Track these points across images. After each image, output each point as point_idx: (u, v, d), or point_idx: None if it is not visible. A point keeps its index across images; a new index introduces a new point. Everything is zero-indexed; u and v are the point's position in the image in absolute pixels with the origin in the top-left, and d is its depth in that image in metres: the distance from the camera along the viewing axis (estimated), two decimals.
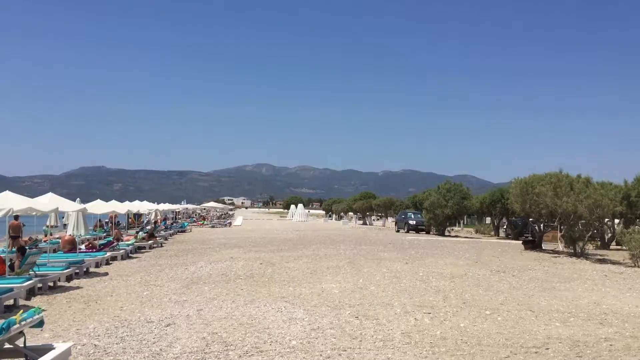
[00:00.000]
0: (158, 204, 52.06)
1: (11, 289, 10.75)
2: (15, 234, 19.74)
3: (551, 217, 24.35)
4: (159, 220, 42.85)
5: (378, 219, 73.09)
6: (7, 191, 14.95)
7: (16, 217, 19.60)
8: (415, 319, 9.48)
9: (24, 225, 21.82)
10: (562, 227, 24.31)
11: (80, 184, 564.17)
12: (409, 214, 46.17)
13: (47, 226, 30.49)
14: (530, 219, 27.94)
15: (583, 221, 22.81)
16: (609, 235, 27.87)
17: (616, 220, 27.83)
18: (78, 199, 26.93)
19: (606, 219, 26.00)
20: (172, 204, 66.82)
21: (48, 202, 16.98)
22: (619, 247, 26.25)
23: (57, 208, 17.13)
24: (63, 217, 28.21)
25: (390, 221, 63.30)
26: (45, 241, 23.15)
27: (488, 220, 48.61)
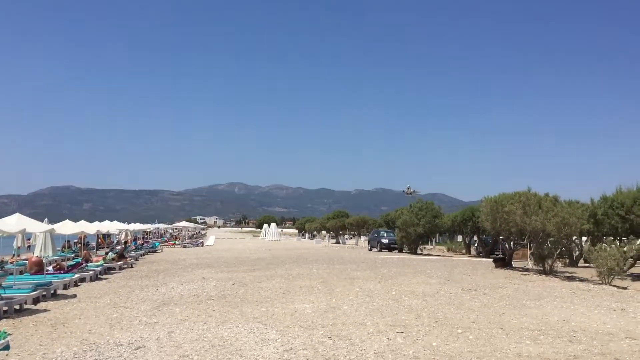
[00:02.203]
0: (129, 223, 51.35)
1: None
2: None
3: (521, 235, 24.68)
4: (129, 241, 42.23)
5: (351, 238, 73.14)
6: None
7: None
8: (388, 338, 9.50)
9: None
10: (531, 245, 24.67)
11: (49, 204, 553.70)
12: (381, 232, 46.38)
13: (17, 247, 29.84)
14: (501, 237, 28.27)
15: (552, 239, 23.18)
16: (577, 253, 28.34)
17: (584, 238, 28.32)
18: (46, 219, 26.47)
19: (574, 237, 26.45)
20: (144, 223, 65.92)
21: (15, 223, 16.61)
22: (587, 264, 26.72)
23: (24, 229, 16.77)
24: (30, 238, 27.58)
25: (363, 240, 63.39)
26: (11, 263, 22.62)
27: (459, 238, 49.07)
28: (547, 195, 23.99)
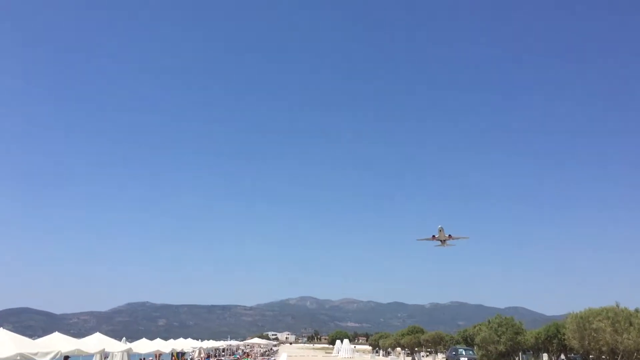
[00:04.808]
0: (202, 340, 51.66)
1: None
2: None
3: (613, 354, 22.95)
4: (202, 359, 42.22)
5: (427, 355, 70.19)
6: (56, 332, 15.25)
7: (66, 358, 19.73)
8: None
9: None
10: None
11: (126, 321, 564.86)
12: (459, 350, 44.26)
13: None
14: (591, 357, 26.35)
15: None
16: None
17: None
18: (124, 338, 27.00)
19: None
20: (216, 339, 66.10)
21: (95, 343, 17.11)
22: None
23: (104, 349, 17.20)
24: (107, 357, 28.09)
25: (440, 357, 60.73)
26: None
27: (545, 357, 46.09)
28: (637, 310, 22.49)
